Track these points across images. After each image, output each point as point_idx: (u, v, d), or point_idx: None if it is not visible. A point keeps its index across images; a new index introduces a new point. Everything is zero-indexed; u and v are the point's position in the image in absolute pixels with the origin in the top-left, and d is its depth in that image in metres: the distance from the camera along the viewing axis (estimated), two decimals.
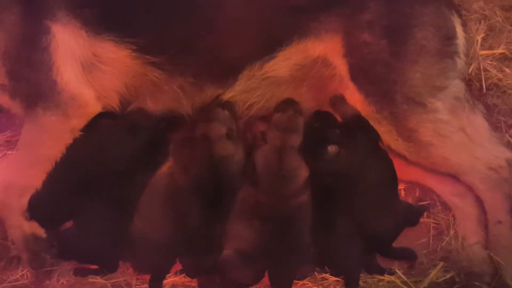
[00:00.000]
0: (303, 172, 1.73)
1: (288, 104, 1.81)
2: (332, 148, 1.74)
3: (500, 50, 1.96)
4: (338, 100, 1.80)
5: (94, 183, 1.75)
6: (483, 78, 1.93)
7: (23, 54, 1.69)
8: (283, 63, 1.79)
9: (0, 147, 2.02)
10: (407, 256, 1.81)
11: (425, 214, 1.92)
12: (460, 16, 1.82)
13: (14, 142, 2.01)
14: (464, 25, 1.84)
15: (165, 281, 1.75)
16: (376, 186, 1.77)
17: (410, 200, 1.95)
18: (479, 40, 1.94)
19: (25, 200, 1.75)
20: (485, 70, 1.93)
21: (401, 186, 1.94)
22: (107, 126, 1.79)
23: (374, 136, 1.77)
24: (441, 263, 1.79)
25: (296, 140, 1.76)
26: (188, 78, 1.77)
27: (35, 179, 1.73)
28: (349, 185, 1.75)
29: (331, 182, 1.75)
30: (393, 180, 1.82)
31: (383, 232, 1.77)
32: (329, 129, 1.80)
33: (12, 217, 1.76)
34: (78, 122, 1.74)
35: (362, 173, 1.76)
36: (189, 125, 1.84)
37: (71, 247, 1.76)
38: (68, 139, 1.74)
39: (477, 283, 1.69)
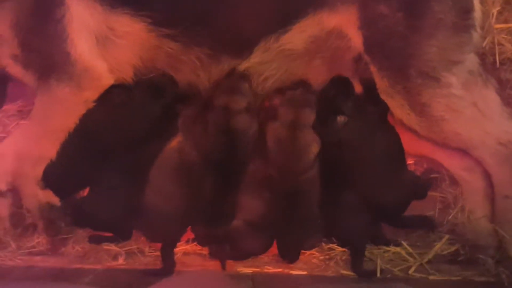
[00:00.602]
0: (315, 148, 1.73)
1: (299, 83, 1.81)
2: (341, 118, 1.75)
3: None
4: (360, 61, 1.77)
5: (109, 152, 1.77)
6: (497, 52, 1.89)
7: (36, 25, 1.68)
8: (298, 36, 1.76)
9: (12, 117, 2.04)
10: (425, 225, 1.83)
11: (432, 187, 1.95)
12: None
13: (26, 112, 2.02)
14: None
15: (176, 249, 1.79)
16: (382, 158, 1.78)
17: (418, 173, 1.97)
18: (495, 13, 1.89)
19: (39, 170, 1.78)
20: (500, 44, 1.89)
21: (410, 161, 1.96)
22: (123, 94, 1.80)
23: (383, 110, 1.77)
24: (447, 236, 1.83)
25: (309, 116, 1.75)
26: (204, 49, 1.76)
27: (49, 150, 1.76)
28: (355, 157, 1.76)
29: (338, 152, 1.76)
30: (400, 153, 1.83)
31: (391, 203, 1.79)
32: (343, 99, 1.79)
33: (27, 186, 1.79)
34: (91, 94, 1.75)
35: (368, 145, 1.77)
36: (200, 102, 1.84)
37: (86, 215, 1.81)
38: (81, 111, 1.75)
39: (481, 256, 1.73)
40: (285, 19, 1.75)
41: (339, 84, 1.83)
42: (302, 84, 1.81)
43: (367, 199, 1.76)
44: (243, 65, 1.80)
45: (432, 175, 1.96)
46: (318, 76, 1.83)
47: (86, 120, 1.77)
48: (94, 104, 1.77)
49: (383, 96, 1.74)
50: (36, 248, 1.80)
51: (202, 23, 1.73)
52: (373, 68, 1.72)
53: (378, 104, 1.77)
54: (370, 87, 1.79)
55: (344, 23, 1.74)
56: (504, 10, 1.93)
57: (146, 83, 1.82)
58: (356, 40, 1.74)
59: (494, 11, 1.89)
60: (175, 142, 1.79)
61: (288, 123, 1.74)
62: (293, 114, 1.74)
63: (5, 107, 2.03)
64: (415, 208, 1.88)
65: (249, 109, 1.77)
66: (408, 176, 1.86)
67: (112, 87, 1.78)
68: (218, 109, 1.76)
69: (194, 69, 1.80)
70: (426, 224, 1.82)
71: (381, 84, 1.73)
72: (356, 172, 1.77)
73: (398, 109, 1.73)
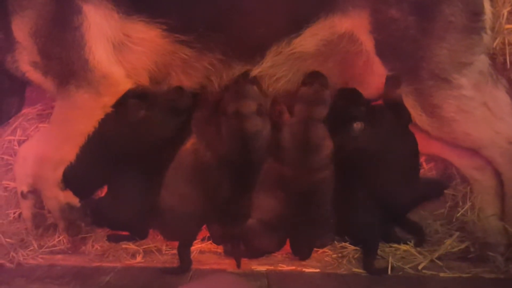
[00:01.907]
0: (329, 143, 1.76)
1: (314, 77, 1.82)
2: (358, 125, 1.77)
3: None
4: (392, 81, 1.78)
5: (126, 156, 1.81)
6: (507, 52, 1.89)
7: (55, 33, 1.71)
8: (310, 39, 1.78)
9: (32, 120, 2.08)
10: (416, 232, 1.86)
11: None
12: None
13: (45, 115, 2.06)
14: None
15: (192, 247, 1.83)
16: (398, 162, 1.80)
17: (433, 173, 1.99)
18: (505, 14, 1.88)
19: (59, 172, 1.83)
20: (510, 44, 1.89)
21: (421, 159, 1.98)
22: (139, 105, 1.84)
23: (406, 118, 1.78)
24: (457, 233, 1.87)
25: (322, 112, 1.78)
26: (217, 55, 1.79)
27: (69, 153, 1.80)
28: (371, 161, 1.78)
29: (355, 157, 1.78)
30: (416, 158, 1.85)
31: (401, 205, 1.82)
32: (355, 106, 1.81)
33: (48, 188, 1.84)
34: (109, 100, 1.79)
35: (385, 150, 1.79)
36: (211, 103, 1.86)
37: (104, 215, 1.86)
38: (100, 115, 1.79)
39: (491, 253, 1.77)
40: (297, 24, 1.77)
41: (348, 94, 1.85)
42: (317, 76, 1.82)
43: (379, 198, 1.79)
44: (255, 71, 1.82)
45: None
46: (330, 78, 1.83)
47: (105, 125, 1.80)
48: (112, 110, 1.81)
49: None
50: (57, 247, 1.86)
51: (216, 29, 1.76)
52: (384, 71, 1.74)
53: (402, 112, 1.78)
54: (395, 98, 1.79)
55: (356, 27, 1.75)
56: None
57: (163, 100, 1.85)
58: (367, 44, 1.75)
59: (505, 11, 1.89)
60: (190, 143, 1.82)
61: (303, 119, 1.78)
62: (307, 110, 1.78)
63: (24, 110, 2.07)
64: (426, 206, 1.92)
65: (260, 111, 1.80)
66: (421, 181, 1.88)
67: (129, 96, 1.82)
68: (230, 114, 1.79)
69: (207, 74, 1.83)
70: (418, 233, 1.85)
71: None
72: (370, 173, 1.79)
73: (411, 110, 1.75)
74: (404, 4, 1.70)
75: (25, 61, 1.77)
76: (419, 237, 1.85)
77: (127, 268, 1.77)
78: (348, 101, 1.83)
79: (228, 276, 1.59)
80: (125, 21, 1.74)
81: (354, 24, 1.75)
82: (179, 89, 1.85)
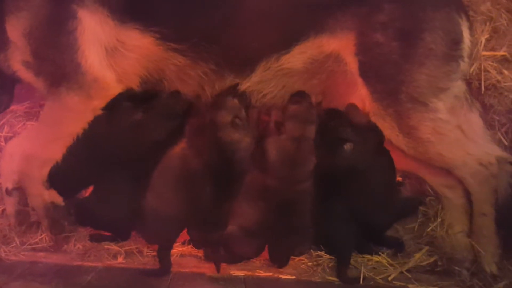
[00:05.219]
0: (313, 158, 1.83)
1: (302, 96, 1.88)
2: (347, 146, 1.83)
3: (501, 52, 2.00)
4: (352, 109, 1.88)
5: (112, 158, 1.84)
6: (483, 78, 1.98)
7: (49, 36, 1.74)
8: (298, 57, 1.84)
9: (19, 118, 2.09)
10: (396, 246, 1.95)
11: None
12: (468, 19, 1.86)
13: (33, 113, 2.08)
14: (470, 28, 1.89)
15: (173, 251, 1.87)
16: (377, 181, 1.87)
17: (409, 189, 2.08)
18: (483, 41, 1.98)
19: (45, 171, 1.85)
20: (486, 70, 1.98)
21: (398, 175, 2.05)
22: (134, 108, 1.86)
23: (380, 138, 1.86)
24: (426, 248, 1.95)
25: (313, 130, 1.84)
26: (210, 65, 1.83)
27: (56, 153, 1.83)
28: (354, 178, 1.84)
29: (335, 173, 1.84)
30: (393, 177, 1.94)
31: (379, 224, 1.90)
32: (343, 128, 1.88)
33: (33, 186, 1.86)
34: (99, 103, 1.82)
35: (367, 169, 1.86)
36: (204, 112, 1.90)
37: (88, 214, 1.88)
38: (89, 118, 1.82)
39: (457, 268, 1.85)
40: (288, 40, 1.82)
41: (335, 115, 1.92)
42: (304, 95, 1.88)
43: (356, 214, 1.85)
44: (245, 85, 1.87)
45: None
46: (313, 96, 1.90)
47: (95, 127, 1.83)
48: (102, 112, 1.83)
49: (374, 118, 1.83)
50: (39, 244, 1.88)
51: (209, 40, 1.80)
52: (366, 92, 1.81)
53: (377, 132, 1.86)
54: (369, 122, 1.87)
55: (342, 48, 1.82)
56: (492, 38, 2.02)
57: (160, 104, 1.88)
58: (352, 65, 1.82)
59: (483, 39, 1.98)
60: (178, 148, 1.85)
61: (295, 137, 1.82)
62: (300, 129, 1.83)
63: (12, 107, 2.08)
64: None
65: (234, 123, 1.84)
66: (398, 199, 1.96)
67: (121, 97, 1.84)
68: (207, 123, 1.84)
69: (200, 82, 1.87)
70: (398, 247, 1.94)
71: (373, 106, 1.82)
72: (351, 190, 1.85)
73: (389, 130, 1.83)
74: (389, 30, 1.77)
75: (17, 60, 1.79)
76: (398, 248, 1.93)
77: (108, 268, 1.80)
78: (336, 122, 1.89)
79: None
80: (120, 28, 1.78)
81: (341, 45, 1.81)
82: (176, 93, 1.89)
